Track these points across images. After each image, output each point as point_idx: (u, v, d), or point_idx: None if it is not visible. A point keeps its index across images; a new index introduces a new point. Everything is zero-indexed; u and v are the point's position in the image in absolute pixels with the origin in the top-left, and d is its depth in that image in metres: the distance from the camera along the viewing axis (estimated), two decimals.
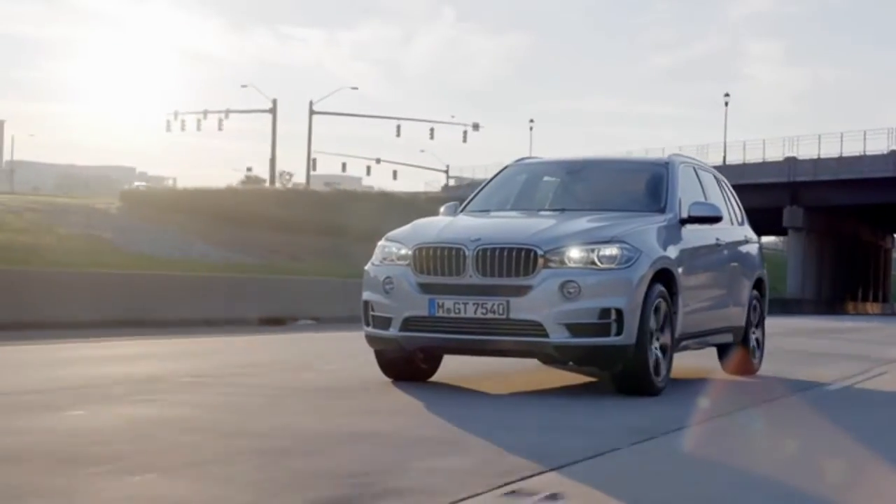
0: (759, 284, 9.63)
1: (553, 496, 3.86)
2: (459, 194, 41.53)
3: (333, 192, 60.32)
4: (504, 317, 6.85)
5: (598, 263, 6.91)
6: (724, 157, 60.09)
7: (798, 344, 16.09)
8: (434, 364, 7.86)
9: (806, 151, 57.06)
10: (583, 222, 7.37)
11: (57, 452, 4.44)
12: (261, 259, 39.66)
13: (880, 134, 56.55)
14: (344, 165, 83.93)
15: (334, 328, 16.05)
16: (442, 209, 8.55)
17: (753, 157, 59.23)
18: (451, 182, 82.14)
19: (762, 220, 59.00)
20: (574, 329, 6.82)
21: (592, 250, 6.93)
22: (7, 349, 10.10)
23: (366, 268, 7.57)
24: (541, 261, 6.87)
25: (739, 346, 9.23)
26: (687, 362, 9.63)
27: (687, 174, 8.58)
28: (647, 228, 7.48)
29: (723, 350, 9.30)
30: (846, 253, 65.43)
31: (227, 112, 68.12)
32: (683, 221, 7.95)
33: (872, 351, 14.39)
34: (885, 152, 54.08)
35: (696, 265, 8.06)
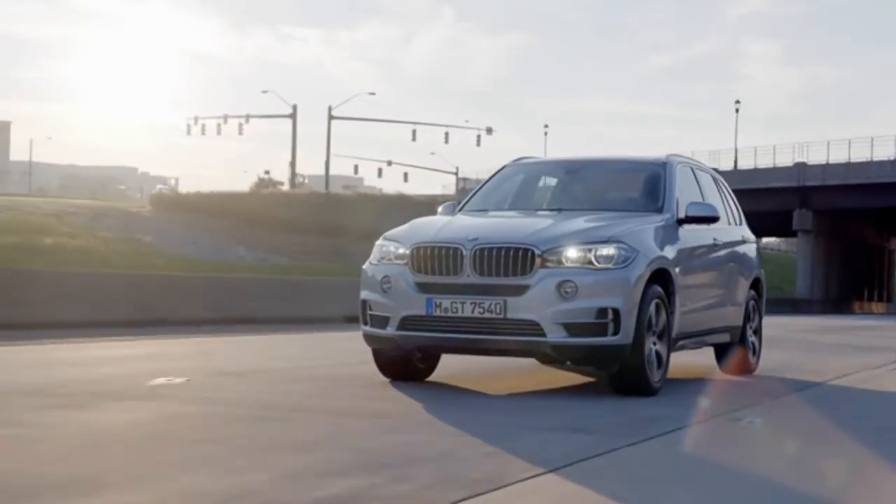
0: (756, 284, 9.65)
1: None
2: None
3: (354, 196, 60.99)
4: (501, 316, 6.87)
5: (596, 263, 6.93)
6: (735, 162, 62.16)
7: (807, 340, 16.17)
8: (432, 363, 7.88)
9: (815, 157, 59.59)
10: (580, 222, 7.39)
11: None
12: (294, 260, 40.10)
13: (887, 140, 58.88)
14: (356, 168, 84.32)
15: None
16: (440, 208, 8.57)
17: (764, 162, 61.40)
18: (461, 185, 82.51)
19: (773, 223, 61.69)
20: (571, 329, 6.84)
21: (590, 250, 6.95)
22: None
23: (364, 267, 7.60)
24: (538, 260, 6.89)
25: (737, 346, 9.25)
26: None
27: (684, 174, 8.60)
28: (645, 228, 7.50)
29: (720, 350, 9.32)
30: (852, 255, 67.17)
31: (248, 117, 69.15)
32: (681, 221, 7.96)
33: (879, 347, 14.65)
34: (891, 158, 56.19)
35: (693, 265, 8.08)
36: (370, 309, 7.38)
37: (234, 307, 16.85)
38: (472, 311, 6.91)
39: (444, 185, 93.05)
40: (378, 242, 7.57)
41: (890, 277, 78.97)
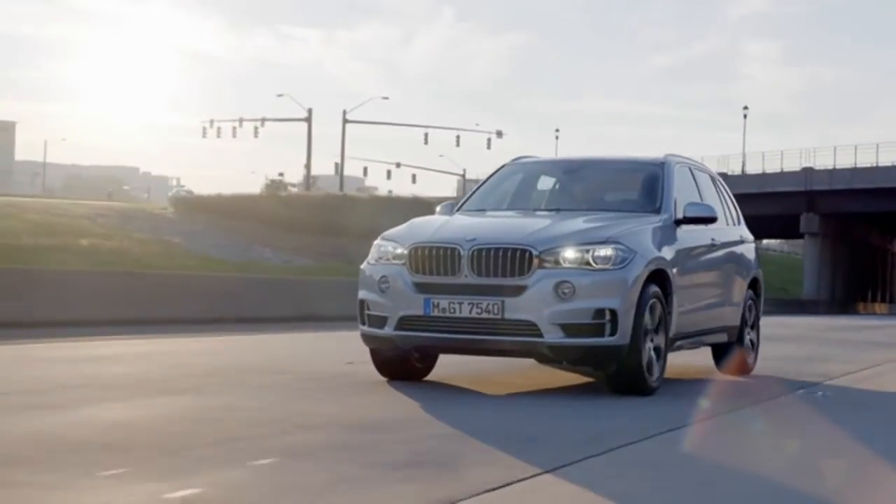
0: (754, 284, 9.66)
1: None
2: None
3: (370, 198, 61.84)
4: (499, 317, 6.88)
5: (593, 264, 6.94)
6: (743, 166, 64.49)
7: (835, 338, 16.49)
8: (429, 363, 7.89)
9: (822, 161, 61.46)
10: (578, 223, 7.40)
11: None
12: (317, 261, 40.61)
13: (893, 146, 61.63)
14: (365, 170, 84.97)
15: None
16: (438, 208, 8.58)
17: (772, 167, 63.44)
18: (469, 186, 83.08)
19: (780, 226, 63.84)
20: (568, 329, 6.85)
21: (587, 251, 6.96)
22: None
23: (362, 267, 7.60)
24: (536, 261, 6.90)
25: (734, 346, 9.26)
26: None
27: (682, 174, 8.60)
28: (642, 229, 7.51)
29: (718, 350, 9.33)
30: (857, 257, 68.79)
31: (263, 120, 70.11)
32: (679, 222, 7.97)
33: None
34: None
35: (690, 266, 8.09)
36: (368, 309, 7.39)
37: (300, 306, 18.66)
38: (470, 312, 6.92)
39: (455, 187, 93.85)
40: (376, 242, 7.58)
41: (893, 279, 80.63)
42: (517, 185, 8.85)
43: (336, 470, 4.27)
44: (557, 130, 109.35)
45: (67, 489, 3.78)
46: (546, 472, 4.33)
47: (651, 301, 7.17)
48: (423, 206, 54.44)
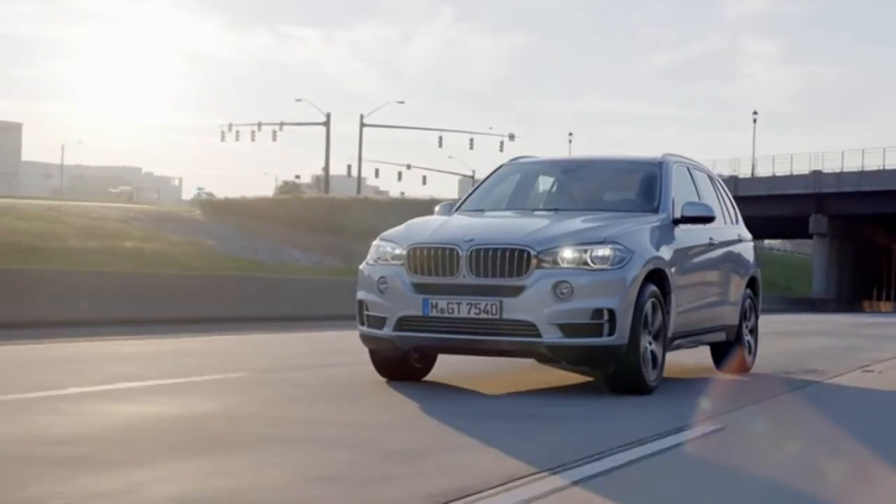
0: (752, 283, 9.68)
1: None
2: None
3: (389, 200, 62.73)
4: (497, 317, 6.89)
5: (591, 264, 6.95)
6: (753, 169, 66.89)
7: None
8: (429, 363, 7.90)
9: (830, 165, 64.18)
10: (576, 223, 7.41)
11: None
12: (345, 262, 40.97)
13: None
14: (377, 171, 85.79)
15: None
16: (437, 208, 8.59)
17: (782, 169, 65.85)
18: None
19: (790, 227, 66.85)
20: (567, 329, 6.86)
21: (585, 251, 6.97)
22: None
23: (360, 267, 7.61)
24: (534, 261, 6.91)
25: (733, 345, 9.28)
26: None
27: (680, 174, 8.61)
28: (641, 229, 7.52)
29: (716, 348, 9.35)
30: (863, 256, 71.41)
31: (282, 124, 71.30)
32: (677, 221, 7.99)
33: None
34: None
35: (688, 265, 8.10)
36: (367, 309, 7.40)
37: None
38: (469, 312, 6.94)
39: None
40: (375, 243, 7.59)
41: None
42: (515, 185, 8.86)
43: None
44: (571, 134, 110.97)
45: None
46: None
47: (649, 301, 7.19)
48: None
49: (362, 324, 7.46)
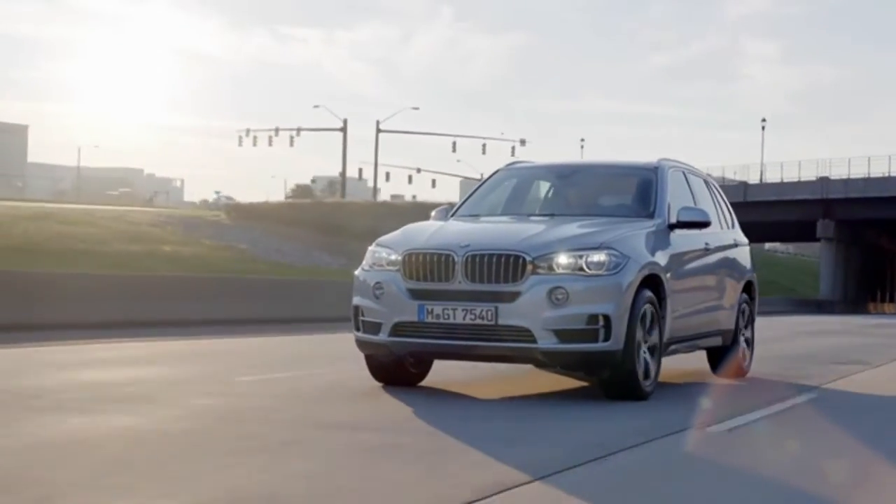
0: (748, 288, 9.68)
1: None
2: None
3: (407, 205, 63.71)
4: (492, 322, 6.89)
5: (587, 269, 6.95)
6: (761, 175, 68.56)
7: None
8: (424, 369, 7.91)
9: (837, 171, 66.04)
10: (571, 228, 7.41)
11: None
12: None
13: None
14: (388, 175, 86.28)
15: None
16: (433, 214, 8.60)
17: (790, 175, 68.02)
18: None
19: (798, 231, 69.20)
20: (562, 335, 6.86)
21: (580, 256, 6.97)
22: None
23: (356, 273, 7.62)
24: (529, 267, 6.91)
25: (729, 349, 9.28)
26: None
27: (676, 179, 8.61)
28: (636, 234, 7.52)
29: (713, 353, 9.35)
30: (868, 260, 73.46)
31: (299, 129, 72.17)
32: (672, 226, 7.99)
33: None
34: None
35: (684, 270, 8.10)
36: (362, 315, 7.40)
37: None
38: (464, 318, 6.94)
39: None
40: (370, 248, 7.59)
41: None
42: (511, 190, 8.85)
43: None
44: (583, 140, 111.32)
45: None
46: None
47: (645, 306, 7.19)
48: None
49: (358, 329, 7.47)
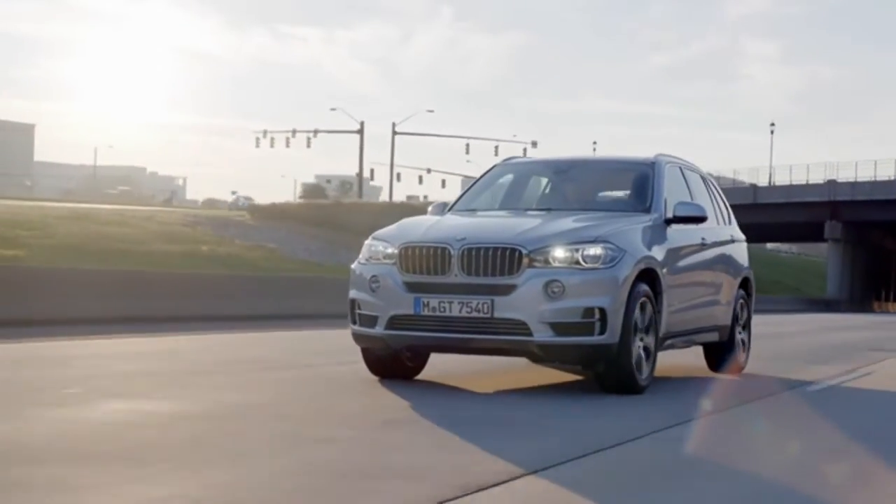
0: (745, 283, 9.68)
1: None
2: None
3: (426, 204, 64.17)
4: (489, 316, 6.91)
5: (583, 263, 6.96)
6: (770, 178, 70.33)
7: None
8: (421, 362, 7.92)
9: (844, 174, 68.19)
10: (568, 222, 7.42)
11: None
12: None
13: None
14: (398, 175, 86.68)
15: None
16: (430, 208, 8.61)
17: (798, 178, 69.97)
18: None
19: (806, 232, 72.14)
20: (558, 328, 6.87)
21: (577, 250, 6.98)
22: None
23: (352, 266, 7.63)
24: (525, 260, 6.92)
25: (726, 345, 9.29)
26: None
27: (673, 174, 8.63)
28: (632, 228, 7.54)
29: (709, 349, 9.36)
30: (873, 260, 75.51)
31: (316, 131, 72.52)
32: (669, 221, 8.00)
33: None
34: None
35: (680, 265, 8.11)
36: (359, 308, 7.41)
37: None
38: (460, 311, 6.95)
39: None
40: (367, 242, 7.61)
41: None
42: (508, 185, 8.88)
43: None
44: (595, 143, 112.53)
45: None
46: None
47: (641, 300, 7.20)
48: None
49: (354, 322, 7.48)
